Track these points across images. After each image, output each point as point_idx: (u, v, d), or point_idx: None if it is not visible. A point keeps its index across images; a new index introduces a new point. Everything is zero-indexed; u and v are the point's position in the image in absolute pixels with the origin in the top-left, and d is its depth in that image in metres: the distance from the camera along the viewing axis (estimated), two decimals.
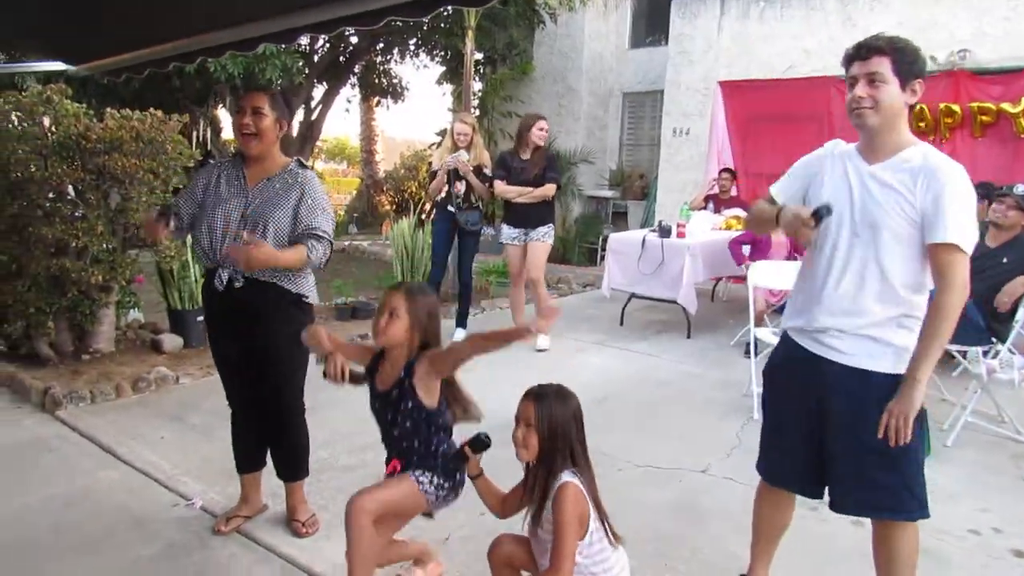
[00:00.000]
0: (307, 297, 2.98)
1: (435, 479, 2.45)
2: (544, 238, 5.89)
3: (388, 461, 2.52)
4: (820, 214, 2.16)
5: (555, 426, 2.11)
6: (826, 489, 2.38)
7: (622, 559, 2.17)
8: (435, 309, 2.49)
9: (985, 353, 4.25)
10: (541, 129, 5.83)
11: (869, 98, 2.14)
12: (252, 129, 2.83)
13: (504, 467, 3.82)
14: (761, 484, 2.61)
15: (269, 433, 3.08)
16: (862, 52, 2.17)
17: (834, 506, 2.35)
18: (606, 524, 2.14)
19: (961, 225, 2.08)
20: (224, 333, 3.00)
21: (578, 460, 2.13)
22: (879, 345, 2.19)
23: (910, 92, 2.16)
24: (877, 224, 2.16)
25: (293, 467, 3.14)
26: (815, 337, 2.30)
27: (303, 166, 2.98)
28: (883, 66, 2.13)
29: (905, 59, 2.14)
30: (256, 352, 2.90)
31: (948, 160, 2.15)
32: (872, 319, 2.20)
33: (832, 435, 2.27)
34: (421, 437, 2.45)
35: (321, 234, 2.83)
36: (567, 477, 2.08)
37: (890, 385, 2.16)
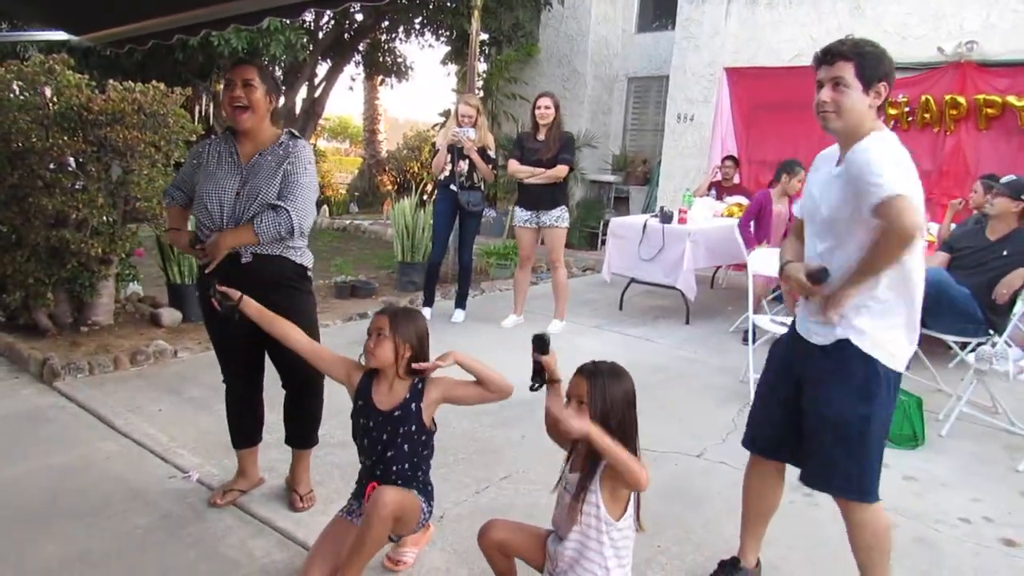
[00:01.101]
0: (309, 269, 3.02)
1: (425, 503, 2.52)
2: (559, 222, 5.86)
3: (362, 483, 2.55)
4: (819, 278, 2.30)
5: (608, 405, 2.07)
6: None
7: (632, 544, 2.18)
8: (422, 328, 2.52)
9: (982, 345, 4.26)
10: (539, 107, 5.75)
11: (832, 102, 2.25)
12: (243, 102, 2.79)
13: (505, 447, 3.84)
14: (749, 461, 2.66)
15: (290, 399, 3.09)
16: (827, 57, 2.28)
17: (800, 477, 2.44)
18: (638, 509, 2.14)
19: (886, 177, 2.11)
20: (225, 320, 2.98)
21: (628, 441, 2.07)
22: (841, 327, 2.29)
23: (874, 95, 2.25)
24: (835, 219, 2.29)
25: (307, 434, 3.15)
26: (803, 320, 2.45)
27: (294, 136, 2.95)
28: (847, 71, 2.22)
29: (868, 64, 2.23)
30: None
31: (872, 138, 2.22)
32: (852, 312, 2.29)
33: (804, 408, 2.40)
34: (414, 460, 2.50)
35: (278, 205, 2.79)
36: None
37: (847, 357, 2.26)
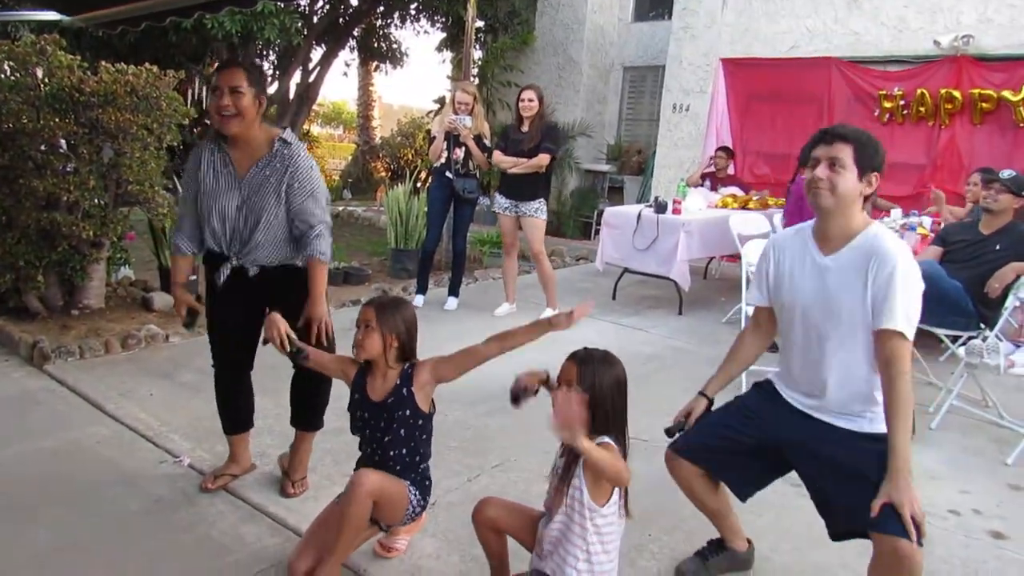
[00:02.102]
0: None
1: (417, 494, 2.51)
2: (536, 214, 5.85)
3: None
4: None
5: (597, 391, 2.07)
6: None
7: (621, 530, 2.19)
8: (409, 317, 2.51)
9: (972, 338, 4.28)
10: (523, 100, 5.75)
11: (827, 180, 2.26)
12: (231, 110, 2.71)
13: (498, 435, 3.84)
14: (676, 465, 2.59)
15: (299, 380, 3.08)
16: (827, 137, 2.31)
17: (837, 536, 2.34)
18: (626, 498, 2.14)
19: (908, 313, 2.17)
20: (233, 309, 2.96)
21: (617, 428, 2.09)
22: (856, 419, 2.32)
23: (866, 183, 2.28)
24: (837, 315, 2.28)
25: (313, 417, 3.15)
26: (801, 403, 2.44)
27: (287, 143, 2.85)
28: (845, 153, 2.25)
29: (866, 152, 2.26)
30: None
31: (896, 243, 2.25)
32: (848, 404, 2.32)
33: (813, 468, 2.37)
34: (411, 445, 2.49)
35: (316, 224, 2.83)
36: (604, 439, 2.05)
37: (870, 437, 2.27)
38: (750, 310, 4.75)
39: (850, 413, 2.32)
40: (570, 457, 2.11)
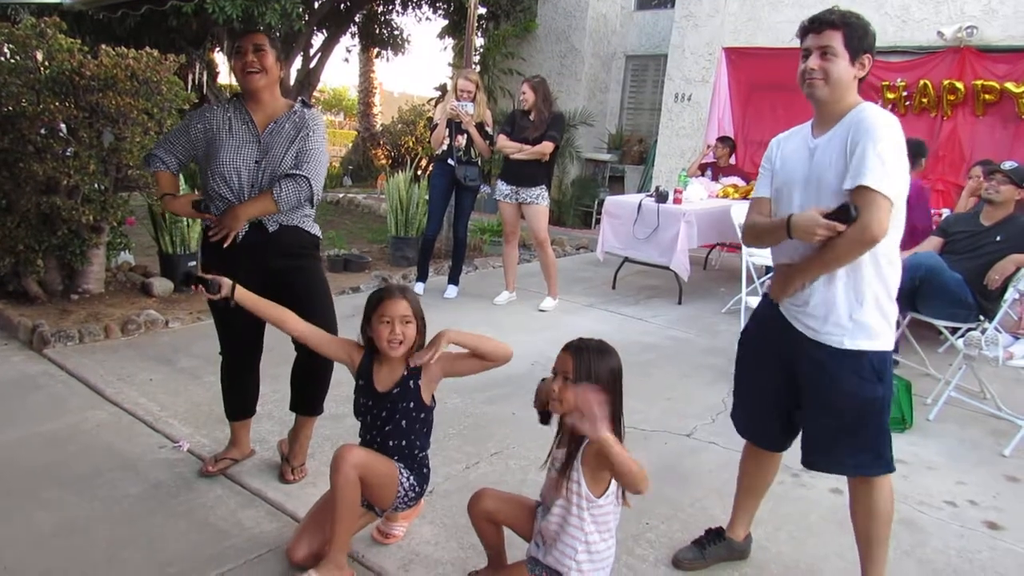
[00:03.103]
0: (321, 240, 3.07)
1: (412, 479, 2.51)
2: (538, 200, 5.85)
3: None
4: (845, 218, 2.12)
5: (592, 381, 2.06)
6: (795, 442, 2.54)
7: (618, 518, 2.19)
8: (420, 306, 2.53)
9: (972, 330, 4.28)
10: (521, 93, 5.81)
11: (820, 70, 2.24)
12: (256, 67, 2.80)
13: (496, 423, 3.85)
14: (745, 446, 2.69)
15: (301, 364, 3.08)
16: (815, 25, 2.28)
17: (807, 463, 2.45)
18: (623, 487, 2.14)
19: (885, 170, 2.10)
20: (240, 279, 2.95)
21: (613, 418, 2.08)
22: (838, 322, 2.27)
23: (859, 66, 2.26)
24: (825, 192, 2.25)
25: (315, 401, 3.15)
26: (788, 309, 2.40)
27: (307, 105, 2.96)
28: (835, 40, 2.22)
29: (855, 34, 2.23)
30: (292, 288, 2.88)
31: (881, 114, 2.21)
32: (830, 303, 2.27)
33: (803, 400, 2.40)
34: (411, 436, 2.49)
35: (295, 173, 2.80)
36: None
37: (851, 353, 2.26)
38: (751, 300, 4.78)
39: (831, 316, 2.27)
40: (571, 449, 2.11)
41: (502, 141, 5.80)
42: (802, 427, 2.45)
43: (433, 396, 2.54)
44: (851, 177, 2.14)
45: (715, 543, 2.70)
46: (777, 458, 2.67)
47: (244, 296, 2.54)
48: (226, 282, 2.50)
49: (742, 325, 4.68)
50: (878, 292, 2.25)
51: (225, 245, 2.81)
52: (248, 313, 2.87)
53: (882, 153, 2.11)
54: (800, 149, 2.38)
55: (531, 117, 5.75)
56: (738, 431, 2.69)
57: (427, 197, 6.62)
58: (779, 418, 2.52)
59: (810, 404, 2.38)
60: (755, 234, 2.51)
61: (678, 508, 3.05)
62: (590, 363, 2.09)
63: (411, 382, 2.46)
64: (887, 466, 2.34)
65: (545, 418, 2.24)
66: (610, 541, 2.17)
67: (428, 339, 2.51)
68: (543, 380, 2.23)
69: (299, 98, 3.00)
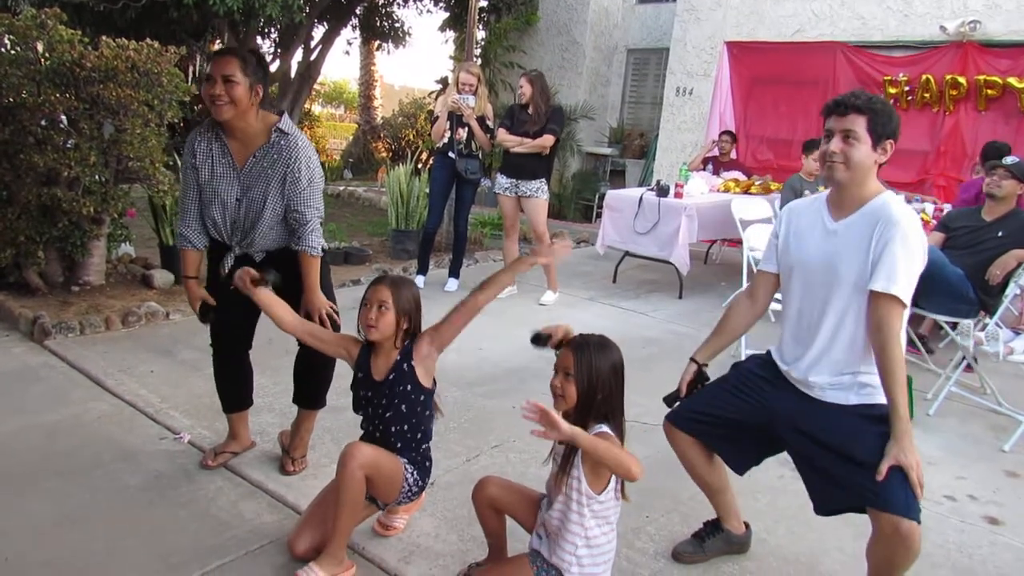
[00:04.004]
0: (326, 250, 3.03)
1: (415, 474, 2.51)
2: (538, 193, 5.85)
3: None
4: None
5: (594, 377, 2.08)
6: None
7: (618, 512, 2.20)
8: (418, 297, 2.53)
9: (974, 325, 4.28)
10: (519, 87, 5.80)
11: (841, 154, 2.24)
12: (224, 100, 2.67)
13: (497, 416, 3.85)
14: (676, 438, 2.62)
15: (303, 358, 3.08)
16: (840, 108, 2.27)
17: (827, 512, 2.39)
18: (622, 482, 2.15)
19: (905, 278, 2.16)
20: (235, 293, 2.89)
21: (614, 413, 2.10)
22: (846, 389, 2.31)
23: (880, 151, 2.26)
24: (842, 279, 2.27)
25: (316, 395, 3.15)
26: (789, 374, 2.43)
27: (284, 133, 2.81)
28: (858, 124, 2.22)
29: (880, 120, 2.23)
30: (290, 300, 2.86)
31: (904, 209, 2.24)
32: (848, 368, 2.30)
33: (801, 446, 2.38)
34: (412, 421, 2.49)
35: (311, 218, 2.83)
36: (602, 428, 2.06)
37: (859, 412, 2.27)
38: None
39: (840, 383, 2.31)
40: (570, 446, 2.11)
41: (502, 135, 5.80)
42: (809, 477, 2.41)
43: (434, 379, 2.53)
44: (881, 279, 2.16)
45: (713, 536, 2.70)
46: (712, 455, 2.64)
47: (263, 295, 2.61)
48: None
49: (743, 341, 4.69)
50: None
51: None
52: (243, 307, 2.87)
53: (909, 255, 2.15)
54: (816, 228, 2.38)
55: (529, 111, 5.75)
56: (683, 427, 2.60)
57: (428, 190, 6.61)
58: (744, 446, 2.54)
59: (815, 453, 2.32)
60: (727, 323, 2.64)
61: (678, 501, 3.05)
62: (591, 359, 2.09)
63: (405, 364, 2.46)
64: (916, 511, 2.12)
65: (540, 342, 2.28)
66: (611, 534, 2.18)
67: (424, 328, 2.52)
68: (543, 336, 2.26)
69: (280, 113, 2.87)
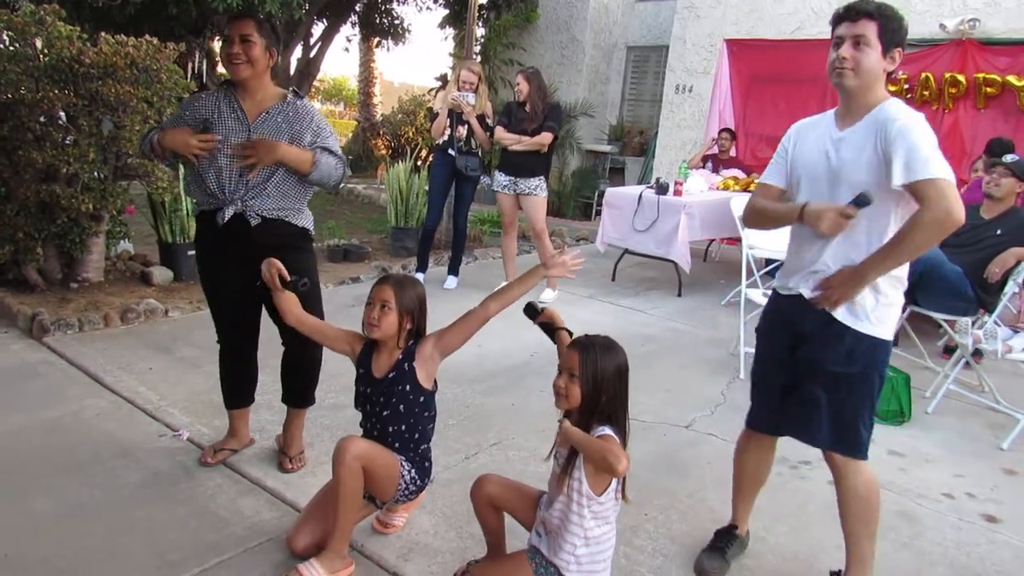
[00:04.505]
0: (311, 231, 3.02)
1: (413, 472, 2.51)
2: (537, 191, 5.85)
3: None
4: (860, 202, 2.16)
5: (599, 379, 2.07)
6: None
7: (617, 511, 2.20)
8: (423, 297, 2.52)
9: (973, 323, 4.29)
10: (515, 84, 5.80)
11: (852, 59, 2.22)
12: (242, 58, 2.73)
13: (496, 414, 3.86)
14: (745, 435, 2.67)
15: (289, 356, 3.08)
16: (851, 13, 2.24)
17: (782, 431, 2.51)
18: (624, 482, 2.14)
19: (933, 159, 2.11)
20: (228, 270, 2.92)
21: (617, 415, 2.09)
22: (863, 309, 2.28)
23: (889, 59, 2.24)
24: (844, 183, 2.25)
25: (305, 392, 3.15)
26: (797, 286, 2.42)
27: (299, 96, 2.90)
28: (869, 30, 2.21)
29: (891, 26, 2.21)
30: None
31: (907, 110, 2.22)
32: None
33: (799, 359, 2.40)
34: (410, 422, 2.49)
35: (333, 149, 2.84)
36: (605, 431, 2.04)
37: (849, 336, 2.28)
38: (750, 293, 4.78)
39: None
40: (571, 449, 2.11)
41: (500, 133, 5.80)
42: (790, 409, 2.45)
43: (435, 381, 2.54)
44: (906, 173, 2.12)
45: (731, 544, 2.67)
46: (773, 451, 2.67)
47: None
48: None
49: (742, 317, 4.72)
50: (891, 281, 2.27)
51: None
52: (243, 298, 2.87)
53: (927, 144, 2.12)
54: (822, 140, 2.36)
55: (526, 109, 5.74)
56: (756, 427, 2.62)
57: (427, 188, 6.60)
58: (783, 399, 2.50)
59: (803, 368, 2.37)
60: (762, 217, 2.53)
61: (676, 499, 3.06)
62: (596, 360, 2.08)
63: (406, 364, 2.46)
64: (861, 451, 2.34)
65: (531, 313, 2.41)
66: (610, 533, 2.18)
67: (429, 331, 2.52)
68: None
69: (291, 88, 2.95)
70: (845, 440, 2.34)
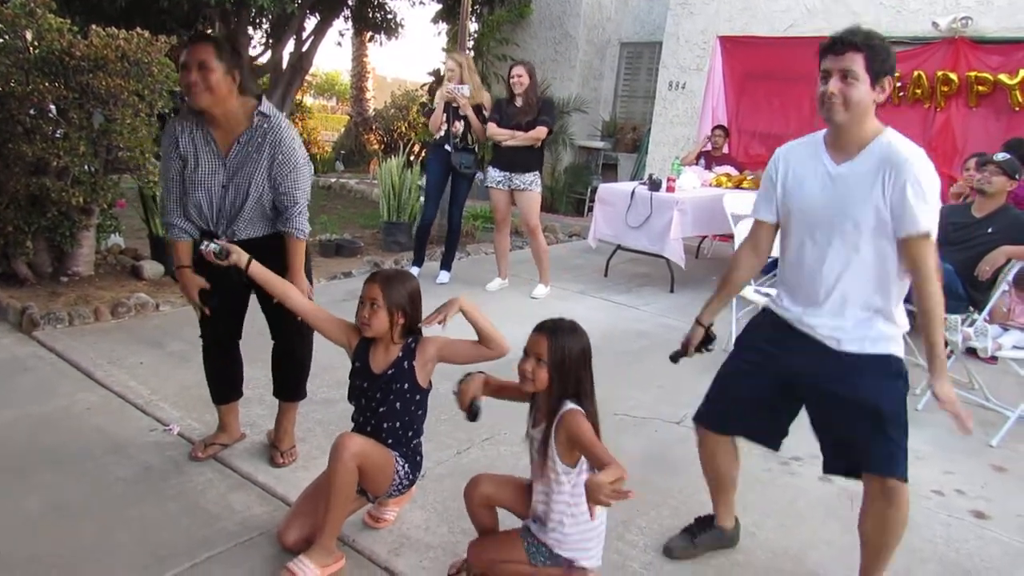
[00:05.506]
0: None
1: (406, 467, 2.51)
2: (531, 187, 5.84)
3: None
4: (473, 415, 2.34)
5: (565, 361, 2.11)
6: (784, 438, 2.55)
7: None
8: (414, 291, 2.49)
9: (963, 321, 4.30)
10: (513, 76, 5.75)
11: (840, 94, 2.18)
12: (200, 86, 2.65)
13: (489, 408, 3.85)
14: (701, 436, 2.64)
15: (280, 349, 3.08)
16: (836, 46, 2.19)
17: (832, 470, 2.42)
18: None
19: (928, 215, 2.16)
20: (219, 279, 2.90)
21: (584, 395, 2.15)
22: (862, 335, 2.28)
23: (879, 90, 2.20)
24: (847, 222, 2.24)
25: (295, 387, 3.15)
26: (801, 321, 2.39)
27: (266, 116, 2.79)
28: (856, 63, 2.16)
29: (878, 57, 2.17)
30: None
31: (911, 147, 2.20)
32: (855, 317, 2.29)
33: (819, 405, 2.37)
34: (405, 419, 2.49)
35: (300, 200, 2.83)
36: (571, 405, 2.11)
37: (874, 361, 2.26)
38: (744, 291, 4.78)
39: (845, 327, 2.28)
40: (546, 429, 2.15)
41: (492, 129, 5.78)
42: (823, 436, 2.41)
43: (430, 381, 2.54)
44: (907, 224, 2.16)
45: (705, 531, 2.71)
46: (735, 448, 2.66)
47: (257, 270, 2.57)
48: (242, 254, 2.55)
49: (733, 314, 4.72)
50: (897, 303, 2.29)
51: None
52: (229, 299, 2.86)
53: (927, 193, 2.14)
54: (817, 174, 2.32)
55: (518, 104, 5.72)
56: (716, 429, 2.61)
57: (420, 183, 6.60)
58: (774, 419, 2.51)
59: (833, 411, 2.32)
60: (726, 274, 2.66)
61: (667, 495, 3.06)
62: (564, 344, 2.13)
63: (406, 363, 2.46)
64: (906, 470, 2.25)
65: (472, 416, 2.31)
66: (600, 513, 2.19)
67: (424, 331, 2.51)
68: (461, 382, 2.32)
69: (257, 110, 2.78)
70: (898, 462, 2.24)
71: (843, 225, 2.24)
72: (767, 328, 2.52)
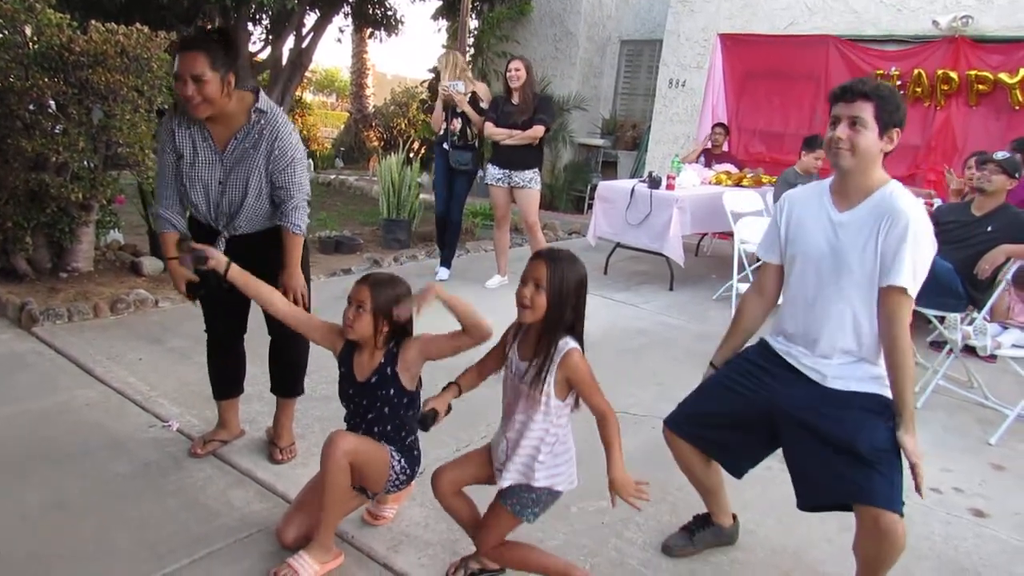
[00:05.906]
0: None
1: (403, 462, 2.50)
2: (530, 184, 5.84)
3: None
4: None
5: (565, 289, 2.12)
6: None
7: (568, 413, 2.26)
8: (403, 295, 2.44)
9: (962, 319, 4.31)
10: (511, 70, 5.75)
11: (848, 140, 2.22)
12: (197, 99, 2.61)
13: (487, 407, 3.85)
14: (675, 444, 2.61)
15: (276, 346, 3.08)
16: (847, 94, 2.24)
17: (811, 508, 2.40)
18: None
19: (914, 270, 2.16)
20: (204, 273, 2.90)
21: (576, 327, 2.18)
22: (848, 374, 2.31)
23: (887, 140, 2.23)
24: (846, 269, 2.27)
25: (293, 382, 3.15)
26: (790, 355, 2.43)
27: (263, 112, 2.76)
28: (866, 111, 2.19)
29: (887, 107, 2.20)
30: (267, 266, 2.85)
31: (911, 201, 2.22)
32: (855, 356, 2.31)
33: (799, 440, 2.35)
34: (395, 422, 2.47)
35: (296, 195, 2.82)
36: (571, 343, 2.14)
37: (861, 397, 2.28)
38: (742, 287, 4.80)
39: (846, 371, 2.30)
40: (541, 363, 2.15)
41: (490, 128, 5.78)
42: (803, 476, 2.38)
43: (420, 379, 2.52)
44: (889, 274, 2.17)
45: (703, 529, 2.71)
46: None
47: (236, 274, 2.53)
48: (220, 258, 2.50)
49: (733, 312, 4.70)
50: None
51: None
52: (231, 293, 2.85)
53: (916, 251, 2.15)
54: (821, 220, 2.35)
55: (515, 101, 5.72)
56: (682, 435, 2.58)
57: (420, 180, 6.60)
58: (744, 444, 2.52)
59: (816, 443, 2.28)
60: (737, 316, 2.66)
61: (666, 492, 3.06)
62: (563, 272, 2.14)
63: (388, 369, 2.42)
64: (899, 504, 2.14)
65: (423, 424, 2.27)
66: (565, 434, 2.25)
67: (416, 333, 2.49)
68: (427, 407, 2.28)
69: (254, 106, 2.76)
70: (887, 492, 2.13)
71: (839, 271, 2.28)
72: (760, 355, 2.54)
